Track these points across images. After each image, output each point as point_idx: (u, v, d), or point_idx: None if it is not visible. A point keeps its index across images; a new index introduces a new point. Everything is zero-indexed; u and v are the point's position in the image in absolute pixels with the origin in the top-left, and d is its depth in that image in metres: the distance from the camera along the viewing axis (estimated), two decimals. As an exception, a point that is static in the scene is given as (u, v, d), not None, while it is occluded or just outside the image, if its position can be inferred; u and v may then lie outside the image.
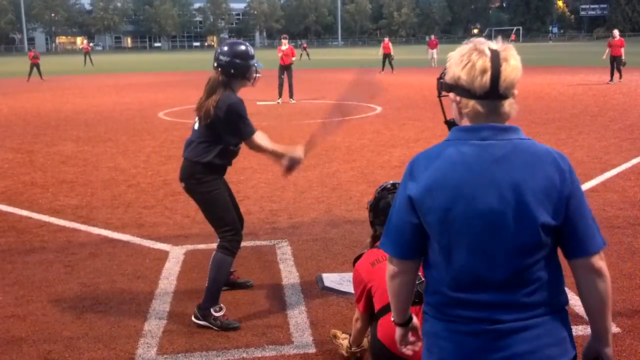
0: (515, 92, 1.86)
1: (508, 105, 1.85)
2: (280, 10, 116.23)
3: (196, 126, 4.11)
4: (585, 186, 7.46)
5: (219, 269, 4.07)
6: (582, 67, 32.23)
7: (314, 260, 5.22)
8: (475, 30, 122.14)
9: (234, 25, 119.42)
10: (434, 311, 1.92)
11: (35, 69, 30.36)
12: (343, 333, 3.69)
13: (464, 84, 1.83)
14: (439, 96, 2.12)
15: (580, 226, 1.84)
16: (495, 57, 1.81)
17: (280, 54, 18.77)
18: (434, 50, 35.83)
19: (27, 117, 15.87)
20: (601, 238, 1.87)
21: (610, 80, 21.88)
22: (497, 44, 1.85)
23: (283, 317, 4.16)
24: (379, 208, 3.41)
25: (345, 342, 3.58)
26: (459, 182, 1.81)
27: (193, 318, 4.06)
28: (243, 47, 4.08)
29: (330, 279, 4.73)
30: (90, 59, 46.87)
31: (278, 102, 18.10)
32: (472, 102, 1.84)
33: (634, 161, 8.84)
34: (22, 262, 5.32)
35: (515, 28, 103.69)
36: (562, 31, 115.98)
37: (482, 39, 1.88)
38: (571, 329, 1.93)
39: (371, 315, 3.28)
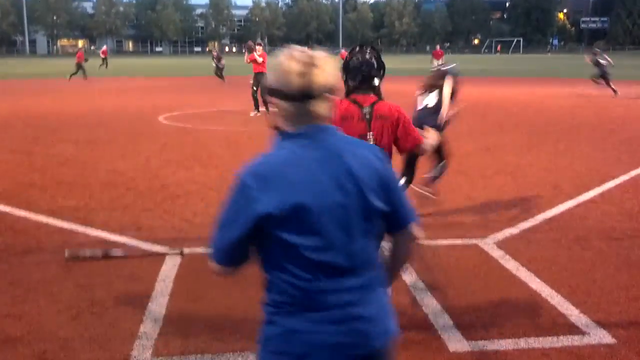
0: (329, 95, 1.94)
1: (319, 106, 1.93)
2: (282, 17, 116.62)
3: None
4: (583, 197, 7.47)
5: None
6: (581, 79, 32.29)
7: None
8: (476, 41, 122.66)
9: (236, 31, 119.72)
10: (288, 306, 1.93)
11: (80, 69, 31.00)
12: None
13: (279, 87, 1.93)
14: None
15: (403, 202, 2.07)
16: (307, 62, 1.90)
17: (249, 61, 16.58)
18: (439, 61, 35.83)
19: (27, 119, 15.86)
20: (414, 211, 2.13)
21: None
22: (312, 51, 1.95)
23: (279, 322, 4.15)
24: (350, 67, 3.74)
25: None
26: (303, 179, 1.88)
27: None
28: None
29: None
30: (90, 64, 47.29)
31: (256, 114, 16.16)
32: (286, 104, 1.93)
33: (633, 173, 8.86)
34: (19, 262, 5.32)
35: (515, 39, 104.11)
36: (562, 43, 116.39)
37: (298, 47, 1.97)
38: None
39: None
